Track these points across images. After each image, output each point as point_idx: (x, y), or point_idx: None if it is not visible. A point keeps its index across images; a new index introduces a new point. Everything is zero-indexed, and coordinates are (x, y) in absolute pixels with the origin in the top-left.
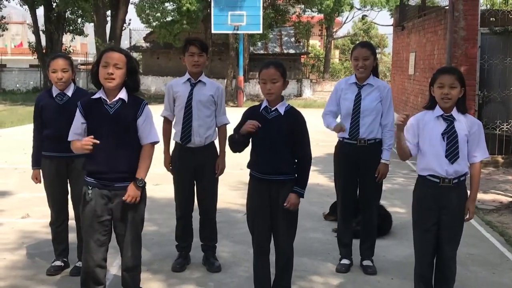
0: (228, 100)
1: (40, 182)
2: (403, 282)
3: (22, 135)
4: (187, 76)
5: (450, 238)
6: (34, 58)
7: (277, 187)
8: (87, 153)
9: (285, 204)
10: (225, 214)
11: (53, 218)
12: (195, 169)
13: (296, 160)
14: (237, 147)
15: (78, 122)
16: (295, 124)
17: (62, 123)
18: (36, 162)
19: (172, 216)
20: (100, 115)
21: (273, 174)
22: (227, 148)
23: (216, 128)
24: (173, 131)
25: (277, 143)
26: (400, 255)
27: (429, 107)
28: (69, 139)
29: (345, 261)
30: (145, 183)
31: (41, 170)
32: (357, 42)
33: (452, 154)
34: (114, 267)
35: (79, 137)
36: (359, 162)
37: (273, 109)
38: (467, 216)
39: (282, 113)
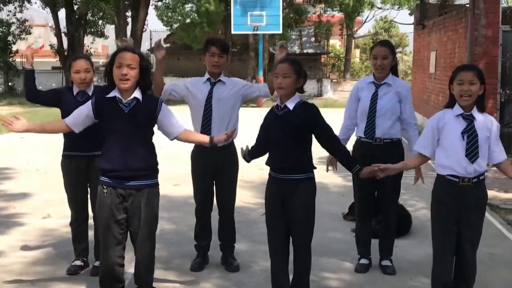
0: (249, 101)
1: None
2: (422, 282)
3: (44, 136)
4: (206, 76)
5: (470, 238)
6: (56, 60)
7: (290, 187)
8: (102, 152)
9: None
10: (244, 214)
11: (73, 218)
12: (215, 168)
13: (331, 150)
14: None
15: (83, 113)
16: (308, 117)
17: None
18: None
19: (191, 216)
20: (115, 114)
21: (284, 173)
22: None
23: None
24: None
25: (286, 140)
26: (419, 255)
27: (449, 105)
28: (65, 120)
29: (364, 261)
30: (213, 138)
31: (61, 169)
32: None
33: (472, 153)
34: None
35: (76, 126)
36: (376, 161)
37: (282, 106)
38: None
39: (291, 109)
